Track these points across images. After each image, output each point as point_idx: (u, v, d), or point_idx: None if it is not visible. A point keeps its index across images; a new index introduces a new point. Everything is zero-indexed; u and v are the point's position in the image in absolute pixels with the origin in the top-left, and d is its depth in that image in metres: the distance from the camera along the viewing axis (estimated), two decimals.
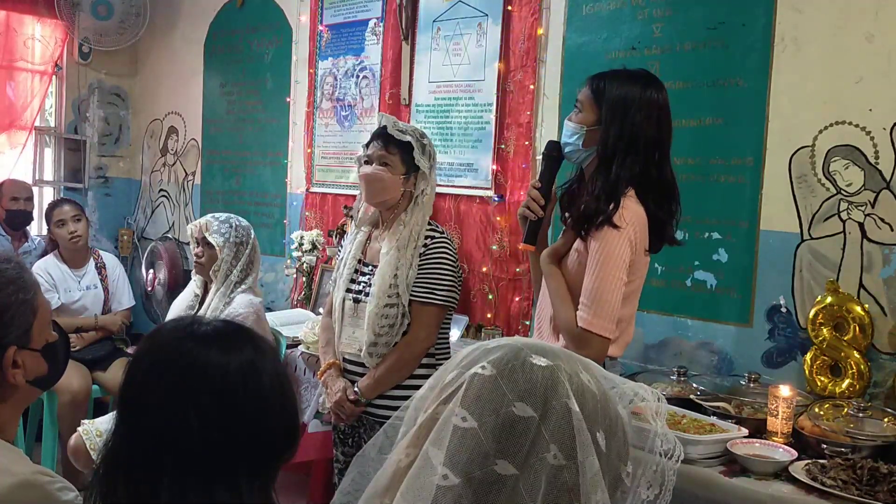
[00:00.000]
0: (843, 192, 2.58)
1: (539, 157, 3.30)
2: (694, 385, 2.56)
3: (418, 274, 2.52)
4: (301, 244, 4.11)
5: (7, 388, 1.37)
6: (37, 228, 4.88)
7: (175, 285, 4.76)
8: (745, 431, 2.20)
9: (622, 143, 1.99)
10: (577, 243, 2.05)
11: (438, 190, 3.16)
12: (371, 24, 4.03)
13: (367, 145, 2.61)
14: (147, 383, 1.07)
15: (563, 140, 2.12)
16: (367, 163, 2.57)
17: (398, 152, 2.54)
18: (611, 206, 1.96)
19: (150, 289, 4.94)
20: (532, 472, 0.86)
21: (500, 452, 0.87)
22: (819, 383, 2.55)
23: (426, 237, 2.55)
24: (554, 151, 2.15)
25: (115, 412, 1.12)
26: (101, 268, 4.33)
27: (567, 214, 2.13)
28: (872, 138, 2.52)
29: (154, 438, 1.03)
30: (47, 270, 4.09)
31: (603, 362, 1.96)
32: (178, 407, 1.02)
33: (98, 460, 1.10)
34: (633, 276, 2.03)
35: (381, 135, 2.56)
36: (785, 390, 2.20)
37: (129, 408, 1.08)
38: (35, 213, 4.73)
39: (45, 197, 5.15)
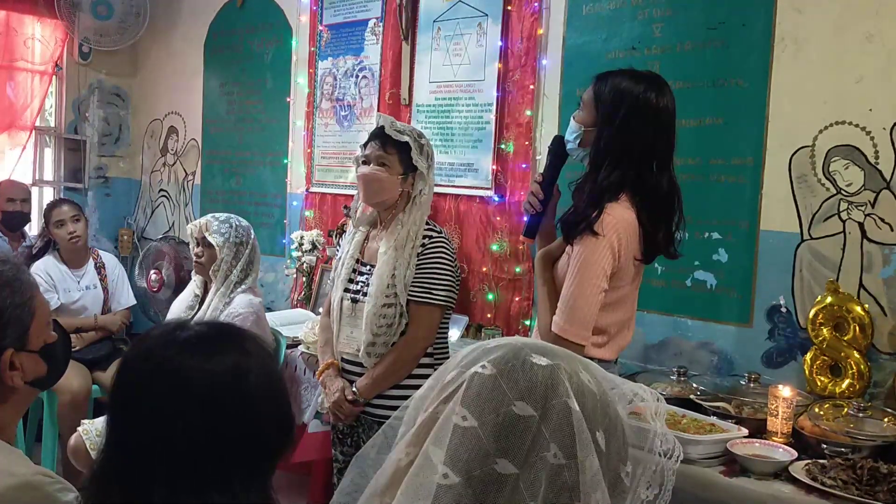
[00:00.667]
0: (843, 192, 2.59)
1: (539, 157, 3.31)
2: (694, 385, 2.56)
3: (416, 274, 2.52)
4: (301, 244, 4.11)
5: (5, 390, 1.37)
6: (35, 229, 4.87)
7: (178, 285, 4.76)
8: (745, 431, 2.20)
9: (615, 146, 1.94)
10: (567, 247, 2.04)
11: (439, 190, 3.17)
12: (371, 23, 4.03)
13: (365, 145, 2.61)
14: (133, 392, 1.08)
15: (565, 137, 2.10)
16: (364, 163, 2.57)
17: (396, 152, 2.54)
18: (594, 213, 1.92)
19: (156, 289, 4.93)
20: (532, 471, 0.86)
21: (500, 451, 0.87)
22: (819, 383, 2.55)
23: (424, 237, 2.55)
24: (559, 147, 2.14)
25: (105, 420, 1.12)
26: (100, 267, 4.33)
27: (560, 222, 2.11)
28: (872, 138, 2.52)
29: (143, 447, 1.03)
30: (46, 271, 4.09)
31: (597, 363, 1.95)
32: (165, 415, 1.02)
33: (90, 469, 1.10)
34: (621, 283, 1.99)
35: (379, 135, 2.56)
36: (785, 390, 2.20)
37: (117, 417, 1.09)
38: (34, 214, 4.73)
39: (45, 197, 5.15)
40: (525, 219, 2.23)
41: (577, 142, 2.03)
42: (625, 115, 1.94)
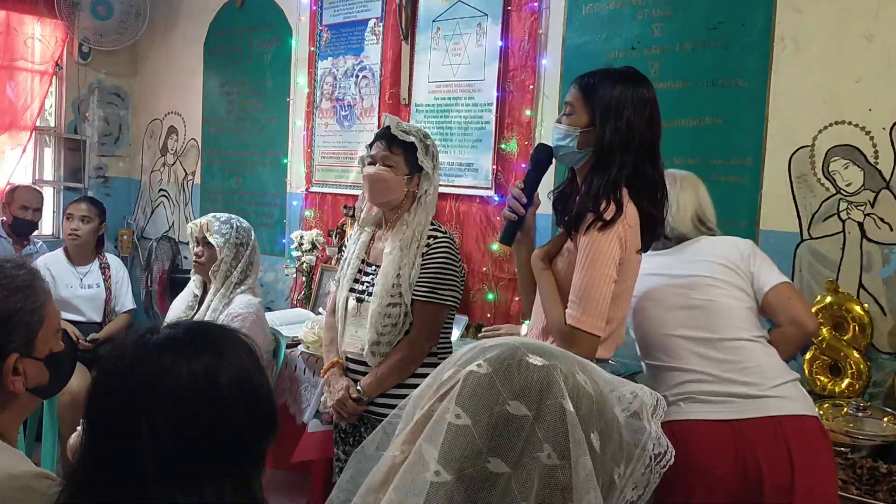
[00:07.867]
0: (842, 191, 2.58)
1: None
2: None
3: (421, 273, 2.52)
4: (301, 244, 4.11)
5: (7, 396, 1.37)
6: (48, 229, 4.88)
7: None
8: None
9: (618, 142, 1.98)
10: (568, 243, 2.05)
11: (439, 190, 3.16)
12: (371, 23, 4.04)
13: (371, 145, 2.61)
14: (103, 394, 1.09)
15: (554, 143, 2.08)
16: (370, 163, 2.57)
17: (401, 153, 2.54)
18: (610, 207, 1.94)
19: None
20: (525, 470, 0.86)
21: (493, 450, 0.87)
22: (819, 383, 2.55)
23: (429, 237, 2.56)
24: (543, 155, 2.14)
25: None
26: (105, 268, 4.34)
27: (565, 217, 2.11)
28: (872, 138, 2.52)
29: (113, 447, 1.04)
30: (47, 266, 4.08)
31: (594, 361, 1.95)
32: (131, 416, 1.03)
33: (65, 476, 1.10)
34: (624, 276, 2.00)
35: (385, 135, 2.57)
36: None
37: (90, 418, 1.10)
38: (48, 218, 4.72)
39: (45, 198, 5.14)
40: (505, 224, 2.21)
41: (574, 144, 2.03)
42: (626, 113, 1.97)
